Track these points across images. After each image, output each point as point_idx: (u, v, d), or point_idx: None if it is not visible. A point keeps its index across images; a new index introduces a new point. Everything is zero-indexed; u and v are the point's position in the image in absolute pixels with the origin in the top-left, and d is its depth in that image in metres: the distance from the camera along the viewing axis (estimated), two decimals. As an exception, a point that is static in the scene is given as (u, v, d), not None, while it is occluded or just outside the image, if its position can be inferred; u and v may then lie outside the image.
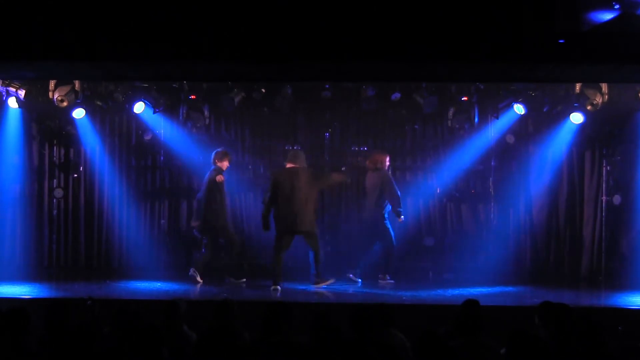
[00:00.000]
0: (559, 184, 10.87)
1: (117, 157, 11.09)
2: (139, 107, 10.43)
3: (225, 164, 9.93)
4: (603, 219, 10.72)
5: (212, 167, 9.91)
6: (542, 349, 4.51)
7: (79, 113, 10.39)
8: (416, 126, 11.16)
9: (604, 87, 9.71)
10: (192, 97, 10.64)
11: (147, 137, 10.99)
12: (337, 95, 10.64)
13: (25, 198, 10.86)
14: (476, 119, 10.61)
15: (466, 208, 11.11)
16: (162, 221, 11.16)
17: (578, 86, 9.78)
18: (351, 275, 9.87)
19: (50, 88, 9.95)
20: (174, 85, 10.50)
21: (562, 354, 4.95)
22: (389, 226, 9.89)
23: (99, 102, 10.51)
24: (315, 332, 4.92)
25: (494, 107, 10.55)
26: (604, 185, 10.75)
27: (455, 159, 10.83)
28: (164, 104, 10.63)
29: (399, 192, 9.86)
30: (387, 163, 10.10)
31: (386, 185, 9.84)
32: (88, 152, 11.00)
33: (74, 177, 11.05)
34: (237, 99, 10.37)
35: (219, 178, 9.76)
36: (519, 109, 10.33)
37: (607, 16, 6.71)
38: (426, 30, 6.91)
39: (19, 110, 10.34)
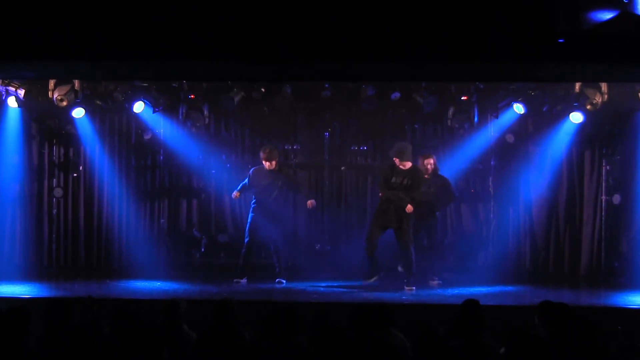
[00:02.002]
0: (559, 183, 10.87)
1: (116, 157, 11.09)
2: (138, 107, 10.43)
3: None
4: (603, 218, 10.72)
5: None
6: (541, 349, 4.51)
7: (78, 112, 10.38)
8: (416, 126, 11.15)
9: (604, 86, 9.70)
10: (192, 96, 10.65)
11: (147, 137, 10.98)
12: (337, 95, 10.63)
13: (25, 197, 10.86)
14: (476, 119, 10.61)
15: (466, 207, 11.10)
16: (162, 220, 11.16)
17: (578, 86, 9.78)
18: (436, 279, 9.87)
19: (49, 87, 9.94)
20: (174, 84, 10.50)
21: (562, 354, 4.95)
22: None
23: (98, 102, 10.51)
24: (315, 332, 4.92)
25: (494, 107, 10.55)
26: (603, 185, 10.75)
27: (455, 158, 10.83)
28: (164, 104, 10.62)
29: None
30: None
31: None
32: (88, 151, 10.99)
33: (73, 177, 11.05)
34: (236, 99, 10.37)
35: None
36: (518, 108, 10.33)
37: (607, 16, 6.71)
38: (426, 30, 6.91)
39: (18, 109, 10.34)
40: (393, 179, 9.24)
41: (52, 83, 9.92)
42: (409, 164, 9.28)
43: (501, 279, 9.95)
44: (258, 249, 10.33)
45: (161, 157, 11.15)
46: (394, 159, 9.28)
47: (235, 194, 9.92)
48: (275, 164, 9.74)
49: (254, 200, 9.86)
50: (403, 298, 8.70)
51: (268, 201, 9.76)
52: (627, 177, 10.48)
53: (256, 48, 7.00)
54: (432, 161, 9.87)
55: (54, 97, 9.89)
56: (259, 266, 10.29)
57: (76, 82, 9.90)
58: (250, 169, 10.02)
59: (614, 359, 5.07)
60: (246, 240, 9.84)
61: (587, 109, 9.91)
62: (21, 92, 9.90)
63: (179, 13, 6.92)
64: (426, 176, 9.80)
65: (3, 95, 10.06)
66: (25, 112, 10.60)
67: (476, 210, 11.08)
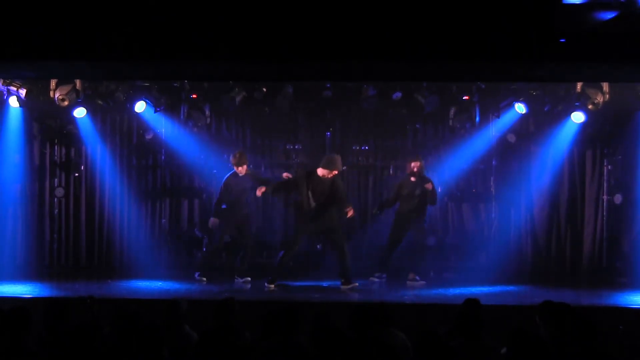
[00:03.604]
0: (560, 183, 10.87)
1: (118, 157, 11.11)
2: (140, 107, 10.44)
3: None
4: (604, 218, 10.72)
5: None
6: (542, 349, 4.50)
7: (80, 112, 10.40)
8: (417, 125, 11.16)
9: (605, 86, 9.69)
10: (193, 96, 10.65)
11: (148, 137, 11.00)
12: (338, 95, 10.63)
13: (27, 197, 10.88)
14: (477, 118, 10.60)
15: (467, 207, 11.11)
16: (163, 220, 11.17)
17: (579, 85, 9.77)
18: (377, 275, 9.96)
19: (51, 87, 9.95)
20: (175, 84, 10.50)
21: (563, 354, 4.94)
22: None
23: (100, 101, 10.52)
24: (315, 332, 4.91)
25: (495, 107, 10.55)
26: (605, 185, 10.75)
27: (456, 158, 10.83)
28: (165, 103, 10.63)
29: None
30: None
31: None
32: (89, 151, 11.01)
33: (75, 177, 11.07)
34: (238, 99, 10.37)
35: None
36: (520, 108, 10.32)
37: (607, 16, 6.71)
38: (426, 30, 6.91)
39: (20, 109, 10.36)
40: (312, 187, 9.32)
41: (53, 83, 9.93)
42: (331, 174, 9.32)
43: (502, 278, 9.94)
44: (260, 249, 10.34)
45: (162, 157, 11.16)
46: (320, 169, 9.30)
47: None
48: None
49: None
50: (404, 298, 8.70)
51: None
52: (629, 177, 10.49)
53: (256, 48, 7.00)
54: (418, 164, 9.89)
55: (56, 96, 9.90)
56: (260, 266, 10.29)
57: (77, 82, 9.91)
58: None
59: (615, 359, 5.06)
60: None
61: (589, 109, 9.90)
62: (22, 92, 9.91)
63: (179, 13, 6.92)
64: (412, 179, 9.87)
65: (4, 95, 10.08)
66: (26, 111, 10.62)
67: (478, 210, 11.09)
